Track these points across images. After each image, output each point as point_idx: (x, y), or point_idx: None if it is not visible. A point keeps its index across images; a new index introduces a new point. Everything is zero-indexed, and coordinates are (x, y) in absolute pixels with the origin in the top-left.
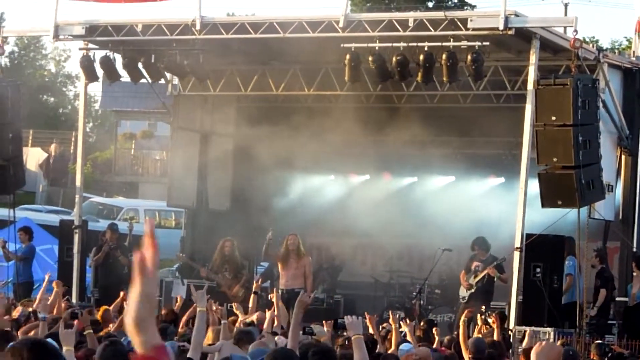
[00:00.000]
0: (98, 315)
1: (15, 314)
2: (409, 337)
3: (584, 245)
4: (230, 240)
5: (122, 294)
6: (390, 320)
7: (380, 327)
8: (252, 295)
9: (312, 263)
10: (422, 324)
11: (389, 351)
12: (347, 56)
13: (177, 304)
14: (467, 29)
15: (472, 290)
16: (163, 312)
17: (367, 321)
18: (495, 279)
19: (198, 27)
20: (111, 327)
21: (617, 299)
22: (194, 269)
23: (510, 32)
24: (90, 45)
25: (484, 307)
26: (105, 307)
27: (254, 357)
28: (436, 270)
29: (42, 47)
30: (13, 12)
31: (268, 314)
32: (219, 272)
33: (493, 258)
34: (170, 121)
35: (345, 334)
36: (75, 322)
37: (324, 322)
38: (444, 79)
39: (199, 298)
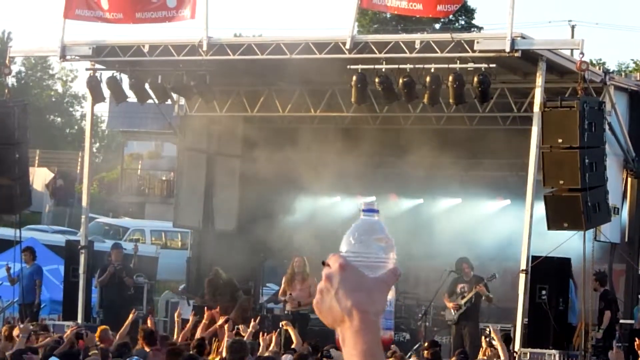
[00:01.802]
0: (96, 335)
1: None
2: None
3: (590, 267)
4: (214, 269)
5: (131, 314)
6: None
7: (391, 346)
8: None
9: (317, 284)
10: (426, 344)
11: None
12: (354, 77)
13: (188, 325)
14: (474, 51)
15: (461, 311)
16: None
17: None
18: (483, 298)
19: (205, 48)
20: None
21: (622, 321)
22: (198, 292)
23: (516, 54)
24: (97, 66)
25: (488, 329)
26: (104, 326)
27: None
28: (442, 291)
29: (49, 67)
30: (20, 32)
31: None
32: (213, 298)
33: (478, 278)
34: (177, 142)
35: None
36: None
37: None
38: (451, 100)
39: None
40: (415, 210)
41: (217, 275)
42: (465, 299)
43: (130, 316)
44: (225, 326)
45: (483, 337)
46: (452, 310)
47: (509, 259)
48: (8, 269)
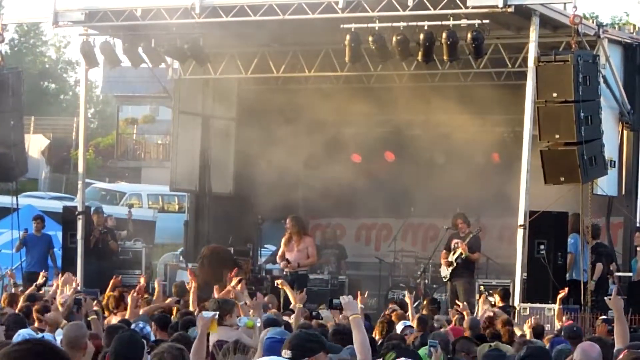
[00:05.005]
0: (104, 302)
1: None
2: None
3: (588, 221)
4: (209, 246)
5: (113, 280)
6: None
7: (389, 306)
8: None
9: (314, 243)
10: (425, 302)
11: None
12: (347, 37)
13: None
14: (467, 7)
15: (453, 267)
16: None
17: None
18: (464, 256)
19: (197, 11)
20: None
21: (621, 274)
22: (197, 253)
23: (509, 10)
24: (90, 31)
25: (482, 286)
26: (111, 293)
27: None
28: (440, 249)
29: (42, 34)
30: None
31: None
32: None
33: (471, 234)
34: (171, 105)
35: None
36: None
37: None
38: (444, 57)
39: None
40: (412, 168)
41: (213, 251)
42: (455, 255)
43: (112, 281)
44: (239, 286)
45: (478, 294)
46: (445, 268)
47: (506, 214)
48: (25, 234)
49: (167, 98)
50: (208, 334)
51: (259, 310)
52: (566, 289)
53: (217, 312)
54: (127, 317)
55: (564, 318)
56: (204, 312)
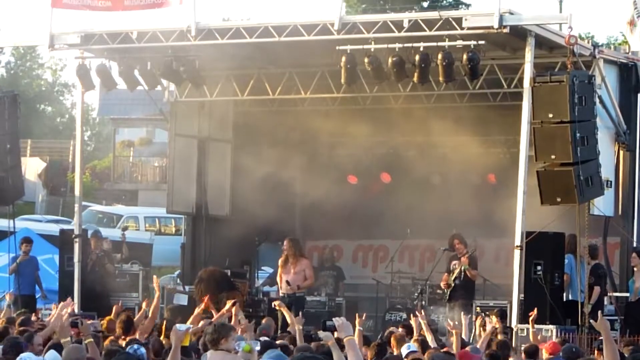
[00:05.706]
0: (103, 326)
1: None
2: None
3: (585, 242)
4: (207, 269)
5: (115, 307)
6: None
7: (387, 330)
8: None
9: (311, 265)
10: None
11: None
12: (343, 58)
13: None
14: (462, 28)
15: (452, 288)
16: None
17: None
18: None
19: (193, 33)
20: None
21: (618, 294)
22: (194, 276)
23: (505, 31)
24: (86, 54)
25: (479, 308)
26: (110, 317)
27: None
28: (437, 270)
29: (38, 57)
30: (8, 23)
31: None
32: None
33: (470, 253)
34: (167, 128)
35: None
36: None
37: None
38: (440, 78)
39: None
40: (408, 189)
41: (210, 274)
42: (453, 276)
43: (114, 308)
44: (233, 309)
45: (474, 317)
46: (444, 288)
47: (503, 235)
48: (24, 257)
49: (164, 120)
50: (183, 347)
51: (250, 333)
52: (535, 310)
53: (191, 326)
54: None
55: (556, 340)
56: (177, 325)
